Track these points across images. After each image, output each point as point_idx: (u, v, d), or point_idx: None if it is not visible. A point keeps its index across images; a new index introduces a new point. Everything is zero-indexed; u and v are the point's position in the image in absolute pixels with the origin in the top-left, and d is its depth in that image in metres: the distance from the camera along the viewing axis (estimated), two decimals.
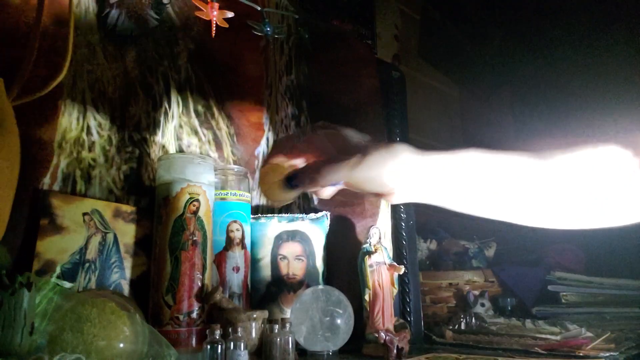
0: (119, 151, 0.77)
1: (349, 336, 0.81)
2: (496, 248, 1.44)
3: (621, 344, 0.90)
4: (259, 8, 0.98)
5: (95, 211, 0.71)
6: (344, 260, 0.97)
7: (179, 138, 0.86)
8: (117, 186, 0.76)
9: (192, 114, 0.89)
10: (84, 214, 0.70)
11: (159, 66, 0.85)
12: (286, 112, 1.06)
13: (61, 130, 0.71)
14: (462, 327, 1.09)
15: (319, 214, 0.94)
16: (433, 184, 0.48)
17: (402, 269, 0.88)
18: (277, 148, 0.53)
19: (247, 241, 0.84)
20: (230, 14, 0.83)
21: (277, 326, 0.70)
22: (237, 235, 0.82)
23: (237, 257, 0.81)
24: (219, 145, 0.92)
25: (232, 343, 0.63)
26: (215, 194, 0.80)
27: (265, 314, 0.72)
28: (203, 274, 0.72)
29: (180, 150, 0.85)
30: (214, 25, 0.82)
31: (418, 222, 1.18)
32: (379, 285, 0.87)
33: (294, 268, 0.89)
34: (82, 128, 0.74)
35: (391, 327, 0.85)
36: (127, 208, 0.75)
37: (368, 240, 0.90)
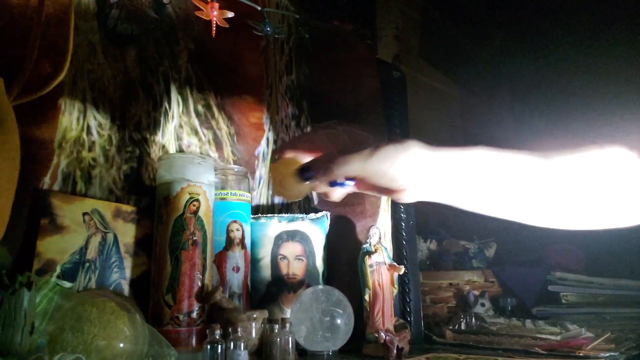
0: (119, 151, 0.77)
1: (349, 336, 0.81)
2: (496, 248, 1.44)
3: (621, 344, 0.90)
4: (259, 8, 0.98)
5: (96, 211, 0.71)
6: (344, 260, 0.97)
7: (179, 138, 0.86)
8: (117, 186, 0.76)
9: (193, 114, 0.89)
10: (84, 214, 0.70)
11: (159, 66, 0.85)
12: (286, 112, 1.06)
13: (61, 130, 0.71)
14: (462, 327, 1.09)
15: (319, 214, 0.94)
16: (444, 180, 0.48)
17: (402, 269, 0.88)
18: (288, 145, 0.52)
19: (247, 241, 0.84)
20: (230, 14, 0.83)
21: (277, 326, 0.70)
22: (237, 235, 0.82)
23: (237, 257, 0.81)
24: (219, 145, 0.92)
25: (232, 343, 0.63)
26: (216, 194, 0.80)
27: (265, 314, 0.72)
28: (203, 274, 0.72)
29: (181, 150, 0.85)
30: (214, 25, 0.82)
31: (418, 222, 1.18)
32: (379, 285, 0.87)
33: (294, 268, 0.89)
34: (82, 128, 0.74)
35: (391, 327, 0.85)
36: (127, 208, 0.75)
37: (368, 240, 0.90)
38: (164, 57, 0.86)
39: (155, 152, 0.82)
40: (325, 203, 1.04)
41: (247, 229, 0.84)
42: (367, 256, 0.88)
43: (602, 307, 1.18)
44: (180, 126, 0.87)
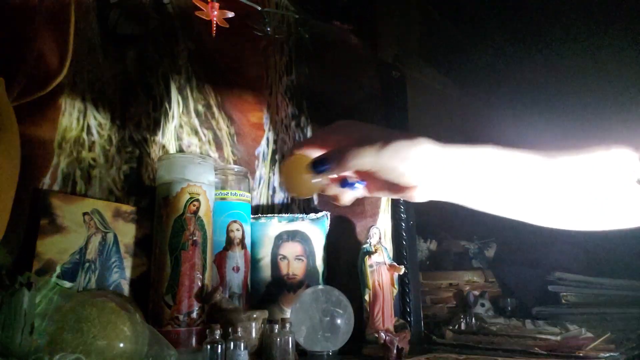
0: (119, 151, 0.77)
1: (349, 336, 0.81)
2: (496, 248, 1.44)
3: (621, 344, 0.90)
4: (259, 8, 0.98)
5: (95, 211, 0.71)
6: (344, 260, 0.97)
7: (179, 138, 0.86)
8: (117, 186, 0.76)
9: (193, 114, 0.89)
10: (84, 214, 0.69)
11: (159, 66, 0.85)
12: (286, 112, 1.06)
13: (61, 130, 0.71)
14: (462, 327, 1.09)
15: (319, 214, 0.94)
16: (455, 178, 0.48)
17: (402, 269, 0.88)
18: (299, 143, 0.52)
19: (247, 241, 0.84)
20: (230, 14, 0.83)
21: (277, 326, 0.70)
22: (237, 235, 0.82)
23: (237, 257, 0.81)
24: (219, 145, 0.92)
25: (232, 343, 0.63)
26: (216, 194, 0.80)
27: (265, 314, 0.72)
28: (203, 274, 0.72)
29: (181, 150, 0.85)
30: (214, 25, 0.82)
31: (418, 222, 1.18)
32: (379, 286, 0.87)
33: (294, 268, 0.89)
34: (82, 128, 0.74)
35: (391, 328, 0.85)
36: (127, 208, 0.75)
37: (368, 241, 0.91)
38: (164, 57, 0.86)
39: (155, 152, 0.82)
40: (325, 203, 1.04)
41: (247, 229, 0.84)
42: (367, 256, 0.88)
43: (602, 307, 1.18)
44: (180, 126, 0.87)
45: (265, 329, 0.71)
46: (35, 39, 0.63)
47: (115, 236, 0.72)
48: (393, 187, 0.49)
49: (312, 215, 0.94)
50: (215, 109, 0.92)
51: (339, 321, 0.79)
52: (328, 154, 0.48)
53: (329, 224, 0.95)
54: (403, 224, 1.13)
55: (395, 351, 0.78)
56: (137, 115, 0.81)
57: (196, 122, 0.89)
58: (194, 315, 0.70)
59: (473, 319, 1.11)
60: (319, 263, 0.91)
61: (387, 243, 1.11)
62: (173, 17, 0.89)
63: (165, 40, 0.87)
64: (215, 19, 0.82)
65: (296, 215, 0.93)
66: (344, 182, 0.50)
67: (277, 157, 1.02)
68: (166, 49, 0.87)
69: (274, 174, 1.01)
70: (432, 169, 0.47)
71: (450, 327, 1.08)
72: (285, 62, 1.09)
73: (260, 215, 0.91)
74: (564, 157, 0.48)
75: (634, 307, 1.14)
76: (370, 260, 0.88)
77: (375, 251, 0.89)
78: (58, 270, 0.65)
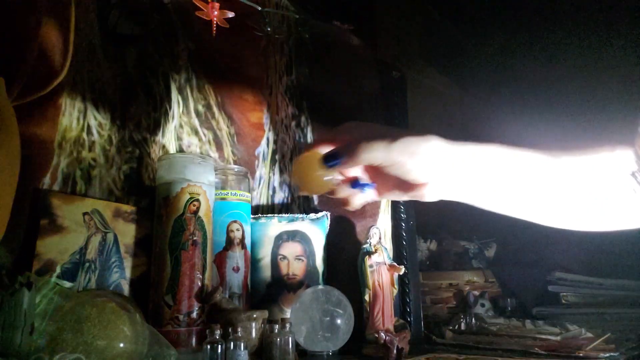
0: (119, 151, 0.77)
1: (349, 336, 0.81)
2: (496, 248, 1.45)
3: (621, 344, 0.90)
4: (259, 8, 0.98)
5: (95, 211, 0.71)
6: (344, 260, 0.97)
7: (179, 138, 0.86)
8: (117, 186, 0.76)
9: (193, 114, 0.89)
10: (84, 214, 0.69)
11: (159, 66, 0.85)
12: (286, 112, 1.06)
13: (61, 130, 0.71)
14: (462, 327, 1.09)
15: (319, 214, 0.94)
16: (464, 176, 0.48)
17: (402, 269, 0.88)
18: (311, 143, 0.52)
19: (247, 241, 0.84)
20: (230, 14, 0.83)
21: (277, 326, 0.70)
22: (237, 235, 0.82)
23: (237, 257, 0.81)
24: (219, 145, 0.92)
25: (232, 343, 0.63)
26: (216, 194, 0.80)
27: (265, 314, 0.72)
28: (203, 274, 0.72)
29: (181, 150, 0.85)
30: (215, 25, 0.82)
31: (418, 222, 1.18)
32: (379, 286, 0.87)
33: (294, 268, 0.89)
34: (82, 128, 0.74)
35: (391, 328, 0.85)
36: (127, 208, 0.75)
37: (368, 241, 0.91)
38: (164, 57, 0.86)
39: (155, 152, 0.82)
40: (325, 203, 1.04)
41: (247, 229, 0.84)
42: (367, 256, 0.88)
43: (602, 307, 1.18)
44: (181, 126, 0.87)
45: (265, 329, 0.71)
46: (36, 38, 0.63)
47: (115, 236, 0.72)
48: (403, 185, 0.49)
49: (312, 215, 0.94)
50: (215, 109, 0.92)
51: (339, 321, 0.79)
52: (339, 148, 0.48)
53: (329, 224, 0.95)
54: (403, 224, 1.13)
55: (395, 351, 0.78)
56: (137, 115, 0.81)
57: (196, 122, 0.89)
58: (194, 315, 0.70)
59: (473, 319, 1.11)
60: (319, 263, 0.91)
61: (387, 243, 1.11)
62: (173, 17, 0.89)
63: (165, 40, 0.87)
64: (215, 19, 0.82)
65: (296, 215, 0.93)
66: (355, 183, 0.50)
67: (277, 157, 1.02)
68: (166, 49, 0.87)
69: (274, 174, 1.01)
70: (441, 166, 0.47)
71: (450, 327, 1.08)
72: (285, 62, 1.09)
73: (260, 215, 0.91)
74: (570, 157, 0.49)
75: (634, 307, 1.14)
76: (370, 260, 0.88)
77: (375, 251, 0.89)
78: (58, 270, 0.65)
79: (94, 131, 0.75)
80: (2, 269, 0.56)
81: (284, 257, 0.89)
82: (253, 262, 0.86)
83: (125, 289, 0.72)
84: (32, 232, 0.65)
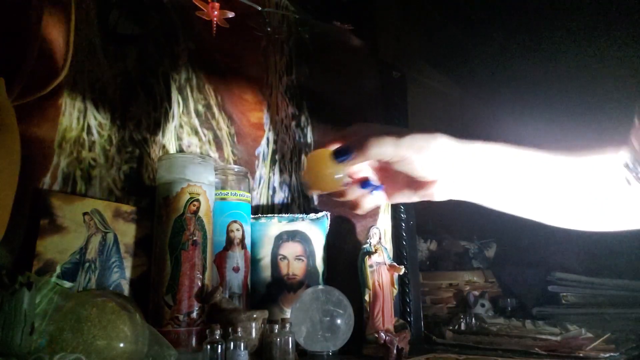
0: (119, 151, 0.77)
1: (349, 336, 0.81)
2: (496, 248, 1.44)
3: (621, 344, 0.90)
4: (259, 8, 0.98)
5: (96, 211, 0.71)
6: (344, 260, 0.97)
7: (179, 138, 0.86)
8: (117, 186, 0.76)
9: (193, 114, 0.89)
10: (84, 214, 0.69)
11: (159, 66, 0.85)
12: (286, 112, 1.06)
13: (61, 130, 0.71)
14: (462, 327, 1.09)
15: (319, 214, 0.94)
16: (471, 173, 0.48)
17: (402, 270, 0.88)
18: (321, 142, 0.53)
19: (247, 241, 0.84)
20: (230, 14, 0.83)
21: (277, 326, 0.70)
22: (237, 235, 0.82)
23: (237, 257, 0.81)
24: (219, 145, 0.92)
25: (232, 343, 0.63)
26: (216, 194, 0.80)
27: (265, 314, 0.72)
28: (203, 274, 0.72)
29: (181, 150, 0.85)
30: (215, 25, 0.82)
31: (418, 222, 1.18)
32: (379, 286, 0.87)
33: (294, 268, 0.89)
34: (82, 128, 0.74)
35: (391, 328, 0.85)
36: (127, 208, 0.75)
37: (368, 241, 0.91)
38: (164, 57, 0.86)
39: (155, 152, 0.82)
40: (325, 203, 1.04)
41: (247, 229, 0.84)
42: (367, 256, 0.89)
43: (602, 307, 1.18)
44: (181, 126, 0.87)
45: (265, 329, 0.71)
46: (36, 38, 0.63)
47: (115, 236, 0.72)
48: (412, 184, 0.50)
49: (312, 215, 0.94)
50: (215, 109, 0.92)
51: (339, 321, 0.79)
52: (350, 142, 0.48)
53: (329, 224, 0.95)
54: (403, 224, 1.13)
55: (395, 351, 0.78)
56: (137, 115, 0.81)
57: (196, 122, 0.89)
58: (194, 315, 0.70)
59: (473, 319, 1.11)
60: (319, 263, 0.91)
61: (387, 243, 1.11)
62: (173, 17, 0.89)
63: (166, 40, 0.87)
64: (215, 19, 0.82)
65: (296, 215, 0.93)
66: (365, 183, 0.51)
67: (277, 157, 1.02)
68: (166, 49, 0.87)
69: (274, 174, 1.01)
70: (449, 163, 0.47)
71: (450, 327, 1.08)
72: (285, 62, 1.09)
73: (260, 215, 0.91)
74: (575, 157, 0.49)
75: (634, 307, 1.14)
76: (370, 261, 0.88)
77: (376, 251, 0.89)
78: (58, 270, 0.65)
79: (94, 131, 0.75)
80: (2, 269, 0.56)
81: (284, 257, 0.89)
82: (253, 262, 0.86)
83: (125, 289, 0.72)
84: (32, 232, 0.65)
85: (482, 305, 1.18)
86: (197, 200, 0.74)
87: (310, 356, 0.79)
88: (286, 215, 0.93)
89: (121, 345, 0.53)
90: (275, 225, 0.90)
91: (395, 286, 0.89)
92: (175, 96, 0.87)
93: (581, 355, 0.83)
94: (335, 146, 0.50)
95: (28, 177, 0.65)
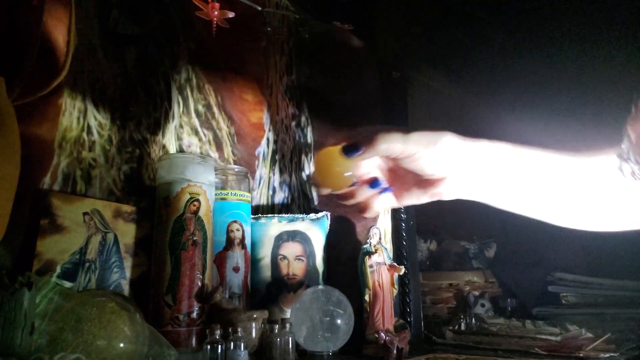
0: (119, 151, 0.77)
1: (349, 337, 0.81)
2: (496, 248, 1.44)
3: (621, 345, 0.90)
4: (259, 8, 0.98)
5: (96, 211, 0.71)
6: (344, 261, 0.97)
7: (179, 138, 0.86)
8: (118, 186, 0.76)
9: (193, 114, 0.89)
10: (84, 214, 0.69)
11: (159, 66, 0.85)
12: (286, 112, 1.06)
13: (62, 130, 0.71)
14: (462, 327, 1.09)
15: (319, 214, 0.94)
16: (478, 171, 0.48)
17: (402, 270, 0.88)
18: (329, 141, 0.53)
19: (247, 241, 0.84)
20: (230, 14, 0.83)
21: (277, 326, 0.70)
22: (237, 235, 0.82)
23: (237, 257, 0.81)
24: (219, 145, 0.92)
25: (232, 343, 0.63)
26: (216, 194, 0.80)
27: (265, 314, 0.72)
28: (203, 274, 0.72)
29: (181, 150, 0.85)
30: (215, 25, 0.82)
31: (418, 223, 1.18)
32: (379, 286, 0.87)
33: (294, 268, 0.89)
34: (82, 128, 0.74)
35: (391, 328, 0.85)
36: (127, 208, 0.75)
37: (368, 241, 0.90)
38: (164, 57, 0.86)
39: (155, 152, 0.82)
40: (325, 203, 1.04)
41: (247, 229, 0.84)
42: (367, 256, 0.88)
43: (602, 307, 1.18)
44: (181, 126, 0.87)
45: (265, 329, 0.71)
46: (36, 38, 0.63)
47: (115, 236, 0.72)
48: (421, 183, 0.50)
49: (312, 215, 0.94)
50: (215, 109, 0.92)
51: (339, 321, 0.79)
52: (359, 138, 0.48)
53: (329, 224, 0.95)
54: (403, 224, 1.13)
55: (395, 351, 0.78)
56: (137, 115, 0.81)
57: (196, 122, 0.89)
58: (194, 315, 0.70)
59: (473, 320, 1.11)
60: (319, 263, 0.91)
61: (387, 243, 1.11)
62: (173, 17, 0.89)
63: (166, 40, 0.87)
64: (215, 19, 0.82)
65: (296, 215, 0.93)
66: (374, 183, 0.51)
67: (277, 157, 1.02)
68: (166, 49, 0.87)
69: (274, 174, 1.01)
70: (457, 160, 0.47)
71: (450, 328, 1.08)
72: (285, 62, 1.09)
73: (260, 215, 0.91)
74: (575, 157, 0.49)
75: (634, 307, 1.14)
76: (370, 261, 0.88)
77: (376, 251, 0.89)
78: (58, 270, 0.65)
79: (94, 131, 0.75)
80: (2, 269, 0.56)
81: (284, 257, 0.89)
82: (253, 262, 0.86)
83: (125, 289, 0.72)
84: (32, 232, 0.65)
85: (482, 306, 1.18)
86: (197, 200, 0.74)
87: (310, 356, 0.79)
88: (286, 215, 0.93)
89: (121, 345, 0.53)
90: (275, 225, 0.90)
91: (395, 286, 0.89)
92: (175, 96, 0.87)
93: (581, 355, 0.83)
94: (343, 143, 0.50)
95: (28, 177, 0.65)
